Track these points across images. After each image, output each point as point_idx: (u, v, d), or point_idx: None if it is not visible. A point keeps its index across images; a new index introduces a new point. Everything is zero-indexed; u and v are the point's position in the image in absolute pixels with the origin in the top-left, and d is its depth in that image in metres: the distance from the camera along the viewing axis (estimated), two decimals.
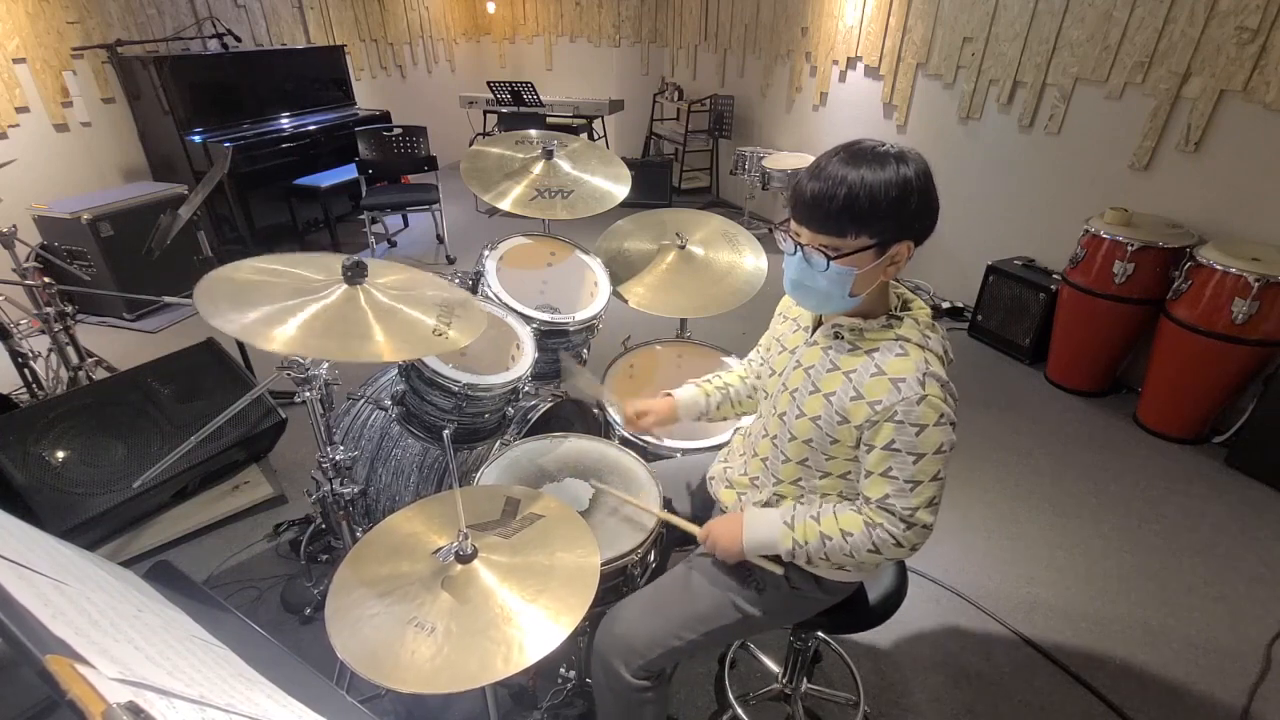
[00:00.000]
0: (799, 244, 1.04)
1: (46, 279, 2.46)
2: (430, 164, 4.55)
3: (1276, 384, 2.46)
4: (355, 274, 1.23)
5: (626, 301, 2.02)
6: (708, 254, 2.10)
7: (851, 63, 4.47)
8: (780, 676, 1.68)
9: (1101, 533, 2.31)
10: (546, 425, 1.85)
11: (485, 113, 5.82)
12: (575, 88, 6.61)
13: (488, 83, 5.52)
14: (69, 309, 2.55)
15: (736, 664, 1.80)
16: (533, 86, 5.39)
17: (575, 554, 1.07)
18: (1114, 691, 1.76)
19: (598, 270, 2.05)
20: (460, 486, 1.16)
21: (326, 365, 1.51)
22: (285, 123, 4.68)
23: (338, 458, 1.58)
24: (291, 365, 1.44)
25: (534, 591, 0.99)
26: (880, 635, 1.87)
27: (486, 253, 1.96)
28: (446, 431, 1.17)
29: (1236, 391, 2.65)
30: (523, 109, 5.49)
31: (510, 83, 5.38)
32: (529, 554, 1.07)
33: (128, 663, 0.59)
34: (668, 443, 1.72)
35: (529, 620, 0.95)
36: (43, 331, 2.55)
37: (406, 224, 5.35)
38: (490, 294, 1.86)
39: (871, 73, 4.32)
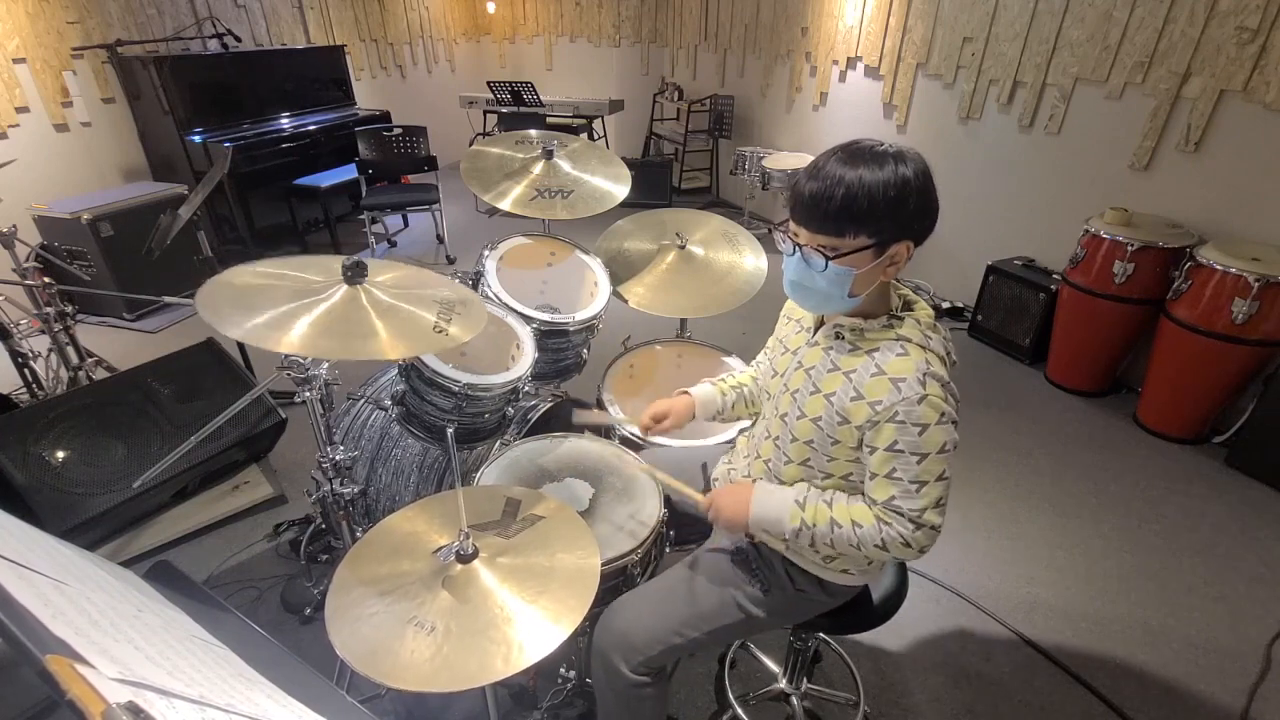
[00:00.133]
0: (797, 244, 1.03)
1: (46, 279, 2.46)
2: (430, 164, 4.55)
3: (1276, 384, 2.47)
4: (355, 274, 1.23)
5: (626, 301, 2.02)
6: (708, 254, 2.10)
7: (851, 63, 4.47)
8: (780, 676, 1.68)
9: (1101, 533, 2.31)
10: (546, 425, 1.85)
11: (485, 113, 5.82)
12: (575, 88, 6.61)
13: (488, 83, 5.52)
14: (69, 309, 2.55)
15: (736, 664, 1.80)
16: (533, 86, 5.39)
17: (575, 555, 1.07)
18: (1114, 691, 1.76)
19: (598, 270, 2.05)
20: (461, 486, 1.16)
21: (326, 365, 1.51)
22: (285, 123, 4.68)
23: (338, 458, 1.58)
24: (291, 365, 1.44)
25: (534, 592, 0.99)
26: (880, 635, 1.87)
27: (486, 253, 1.96)
28: (450, 430, 1.17)
29: (1236, 391, 2.66)
30: (523, 109, 5.49)
31: (510, 83, 5.38)
32: (529, 554, 1.07)
33: (128, 663, 0.59)
34: (669, 442, 1.71)
35: (529, 621, 0.95)
36: (43, 331, 2.55)
37: (406, 224, 5.35)
38: (490, 294, 1.86)
39: (871, 73, 4.32)
